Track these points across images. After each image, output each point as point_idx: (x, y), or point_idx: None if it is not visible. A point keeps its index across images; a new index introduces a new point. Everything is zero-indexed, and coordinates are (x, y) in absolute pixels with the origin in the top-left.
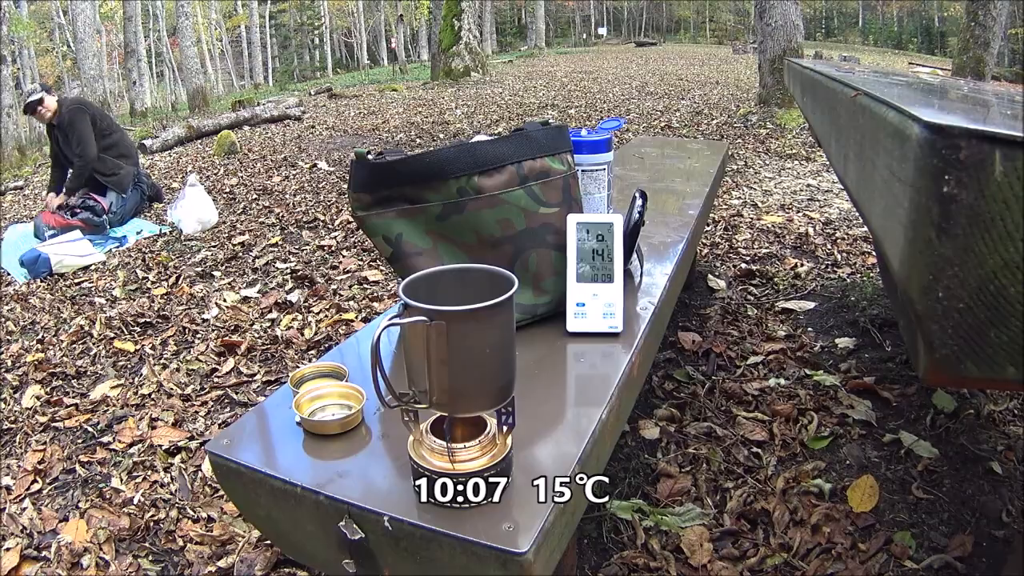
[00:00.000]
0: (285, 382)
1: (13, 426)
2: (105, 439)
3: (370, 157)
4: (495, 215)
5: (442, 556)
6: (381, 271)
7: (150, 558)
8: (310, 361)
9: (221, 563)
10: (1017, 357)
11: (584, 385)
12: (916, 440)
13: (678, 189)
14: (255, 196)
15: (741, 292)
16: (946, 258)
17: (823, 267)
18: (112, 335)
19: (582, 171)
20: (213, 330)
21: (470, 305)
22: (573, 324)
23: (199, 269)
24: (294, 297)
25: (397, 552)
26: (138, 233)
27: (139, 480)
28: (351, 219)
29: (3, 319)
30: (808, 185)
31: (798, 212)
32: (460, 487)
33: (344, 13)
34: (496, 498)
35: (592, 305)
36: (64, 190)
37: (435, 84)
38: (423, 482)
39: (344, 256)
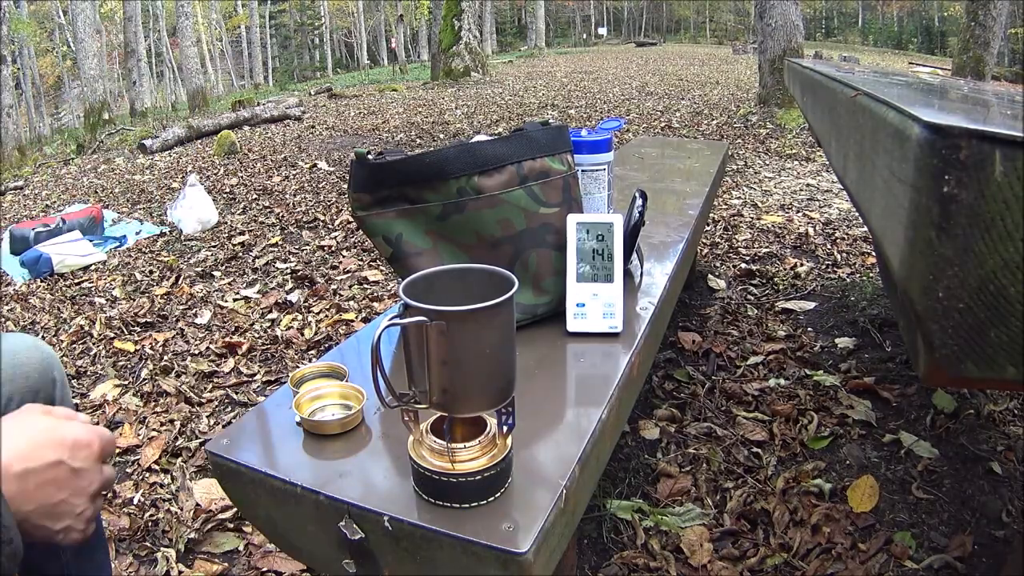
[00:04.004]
0: (285, 382)
1: None
2: None
3: (370, 157)
4: (495, 215)
5: (442, 556)
6: (381, 271)
7: (150, 558)
8: (310, 361)
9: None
10: (1017, 357)
11: (584, 385)
12: (916, 440)
13: (678, 189)
14: (255, 196)
15: (741, 292)
16: (946, 258)
17: (823, 267)
18: (112, 335)
19: (582, 171)
20: (213, 330)
21: (470, 305)
22: (573, 324)
23: (199, 269)
24: (294, 297)
25: (397, 552)
26: (137, 233)
27: (139, 480)
28: (351, 219)
29: (3, 319)
30: (808, 185)
31: (798, 212)
32: (460, 487)
33: (344, 13)
34: (496, 498)
35: (592, 305)
36: None
37: (435, 84)
38: (423, 482)
39: (344, 256)
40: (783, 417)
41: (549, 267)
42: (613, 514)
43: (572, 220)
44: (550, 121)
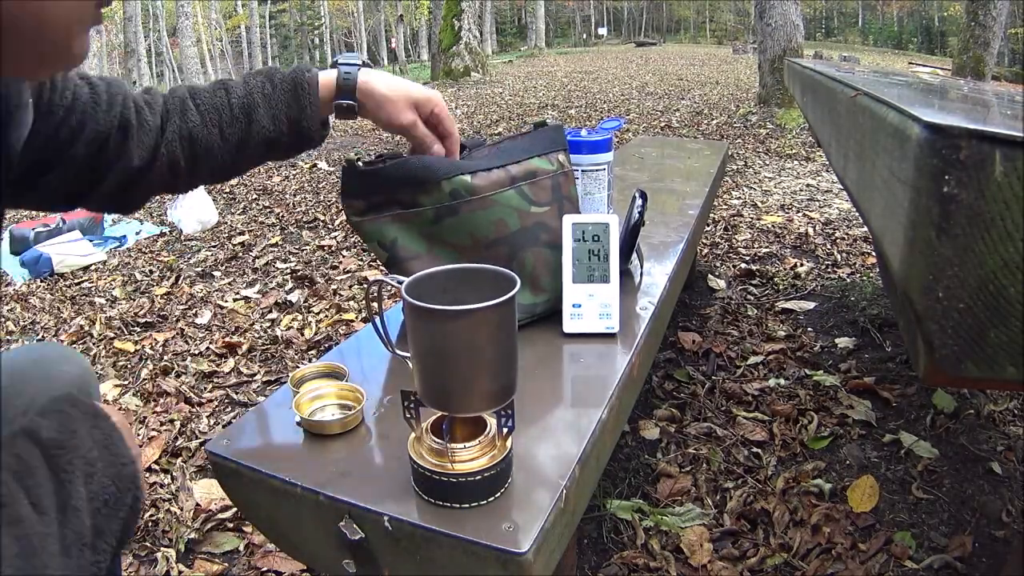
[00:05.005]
0: (285, 382)
1: None
2: None
3: (359, 164)
4: (489, 216)
5: (442, 556)
6: (381, 271)
7: (150, 558)
8: (310, 361)
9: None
10: (1017, 357)
11: (584, 385)
12: (916, 440)
13: (678, 189)
14: (255, 196)
15: (741, 292)
16: (946, 258)
17: (823, 267)
18: (112, 335)
19: (582, 171)
20: (213, 330)
21: (471, 305)
22: (569, 325)
23: (199, 269)
24: (294, 297)
25: (397, 552)
26: (137, 233)
27: None
28: None
29: (3, 319)
30: (808, 185)
31: (798, 212)
32: (460, 487)
33: (344, 13)
34: (496, 498)
35: (588, 306)
36: None
37: (435, 84)
38: (423, 482)
39: (344, 256)
40: (783, 417)
41: (545, 266)
42: (613, 514)
43: (568, 221)
44: (548, 121)
